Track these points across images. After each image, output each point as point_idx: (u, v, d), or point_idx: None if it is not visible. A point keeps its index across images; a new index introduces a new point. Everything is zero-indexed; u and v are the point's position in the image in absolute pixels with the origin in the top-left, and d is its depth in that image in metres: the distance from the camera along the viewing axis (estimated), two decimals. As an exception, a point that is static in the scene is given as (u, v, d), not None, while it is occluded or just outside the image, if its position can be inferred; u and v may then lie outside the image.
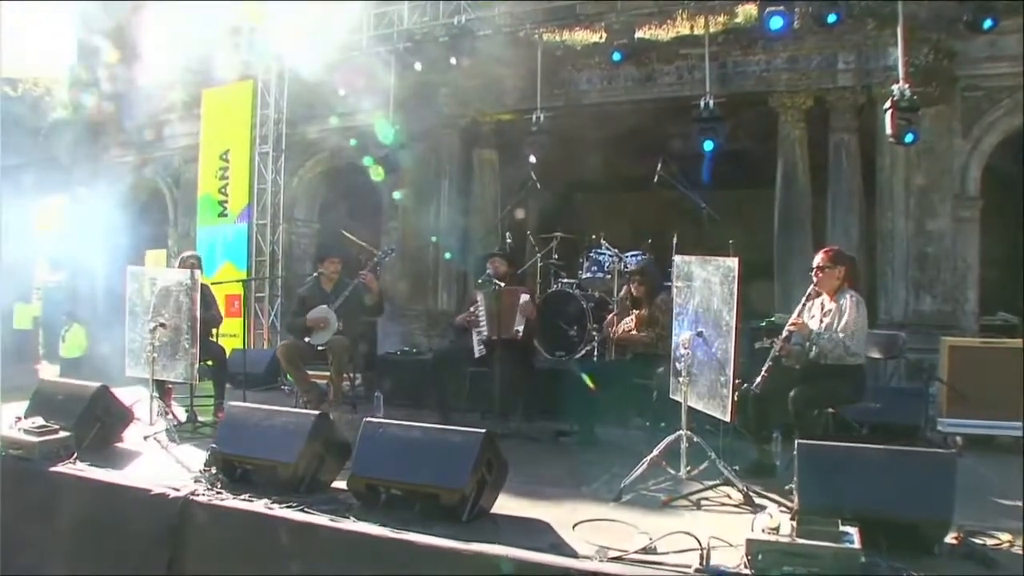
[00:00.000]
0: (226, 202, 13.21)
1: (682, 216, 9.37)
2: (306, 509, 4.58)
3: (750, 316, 8.20)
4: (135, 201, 17.23)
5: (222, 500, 4.87)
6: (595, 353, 8.24)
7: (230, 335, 12.49)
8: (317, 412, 5.25)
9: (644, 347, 6.78)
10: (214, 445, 5.39)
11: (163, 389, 7.53)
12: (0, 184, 18.62)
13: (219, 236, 13.24)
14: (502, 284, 7.13)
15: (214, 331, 8.52)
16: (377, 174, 12.26)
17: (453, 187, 12.75)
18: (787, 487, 4.67)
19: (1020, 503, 5.04)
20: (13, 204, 19.22)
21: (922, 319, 9.96)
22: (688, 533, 3.92)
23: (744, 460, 5.68)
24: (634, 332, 6.85)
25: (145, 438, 6.68)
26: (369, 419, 5.01)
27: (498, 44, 11.60)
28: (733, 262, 4.88)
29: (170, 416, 7.33)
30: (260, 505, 4.71)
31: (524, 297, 7.16)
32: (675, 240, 8.34)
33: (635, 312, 6.89)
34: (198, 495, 4.93)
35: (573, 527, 4.33)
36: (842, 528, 3.70)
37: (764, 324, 7.27)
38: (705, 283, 5.13)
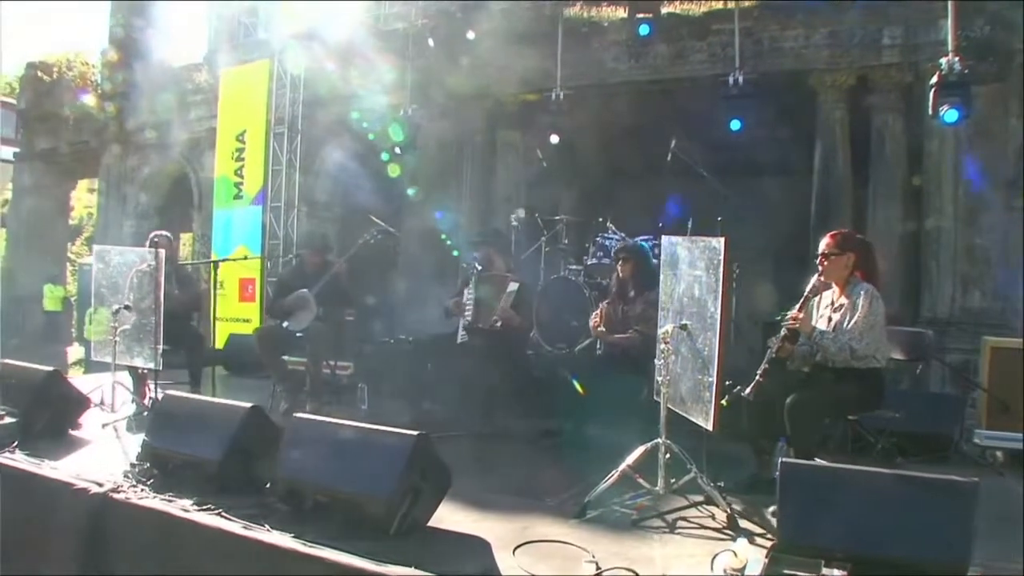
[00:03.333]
0: (242, 184, 12.80)
1: (701, 200, 8.63)
2: (223, 514, 4.05)
3: (773, 310, 7.50)
4: (164, 183, 17.08)
5: (140, 499, 4.39)
6: (597, 345, 7.55)
7: (243, 319, 12.17)
8: (249, 404, 4.68)
9: (623, 350, 6.12)
10: (145, 438, 4.92)
11: (137, 374, 7.10)
12: (33, 166, 18.72)
13: (234, 218, 12.85)
14: (479, 268, 6.54)
15: (196, 314, 8.08)
16: (393, 170, 11.79)
17: (475, 169, 12.21)
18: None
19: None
20: (46, 186, 19.30)
21: (969, 317, 9.18)
22: (630, 570, 3.26)
23: (741, 472, 4.99)
24: (601, 328, 6.21)
25: (103, 426, 6.29)
26: (298, 415, 4.46)
27: (519, 20, 11.03)
28: (719, 243, 4.17)
29: (140, 404, 6.92)
30: (177, 507, 4.23)
31: (512, 286, 6.52)
32: (690, 224, 7.62)
33: (604, 304, 6.21)
34: (119, 492, 4.47)
35: (514, 550, 3.70)
36: (825, 571, 3.01)
37: (778, 318, 6.50)
38: (690, 268, 4.44)
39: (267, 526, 3.87)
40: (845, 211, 10.01)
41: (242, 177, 12.81)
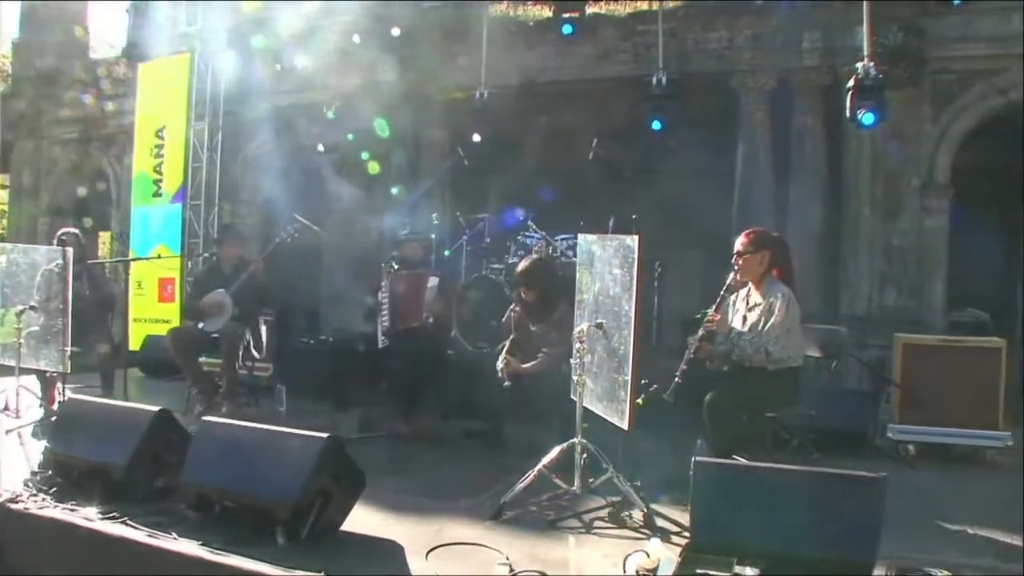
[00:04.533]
0: (161, 181, 12.43)
1: (623, 198, 8.68)
2: (128, 522, 3.93)
3: (696, 309, 7.55)
4: (81, 179, 16.53)
5: (41, 509, 4.22)
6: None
7: (163, 320, 11.84)
8: (157, 408, 4.53)
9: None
10: (48, 445, 4.73)
11: (46, 379, 6.84)
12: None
13: (153, 216, 12.49)
14: (399, 267, 6.45)
15: (110, 315, 7.84)
16: (373, 168, 11.74)
17: (401, 167, 12.06)
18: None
19: (968, 529, 4.39)
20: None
21: (886, 314, 9.40)
22: (543, 573, 3.23)
23: (661, 471, 4.98)
24: (511, 370, 5.78)
25: (7, 432, 6.06)
26: (207, 418, 4.34)
27: (445, 18, 10.98)
28: (633, 241, 4.17)
29: (48, 409, 6.68)
30: (80, 516, 4.08)
31: (432, 280, 6.43)
32: (611, 223, 7.64)
33: (511, 338, 5.96)
34: (17, 502, 4.31)
35: (427, 553, 3.64)
36: (737, 570, 3.01)
37: (698, 316, 6.54)
38: (606, 266, 4.43)
39: (174, 534, 3.77)
40: (766, 210, 10.09)
41: (161, 174, 12.45)
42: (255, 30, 11.71)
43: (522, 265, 6.28)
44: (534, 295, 5.95)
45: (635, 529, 4.14)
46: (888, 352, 7.17)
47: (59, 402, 6.63)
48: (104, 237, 16.86)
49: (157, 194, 12.46)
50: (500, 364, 5.83)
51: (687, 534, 3.85)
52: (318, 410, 6.91)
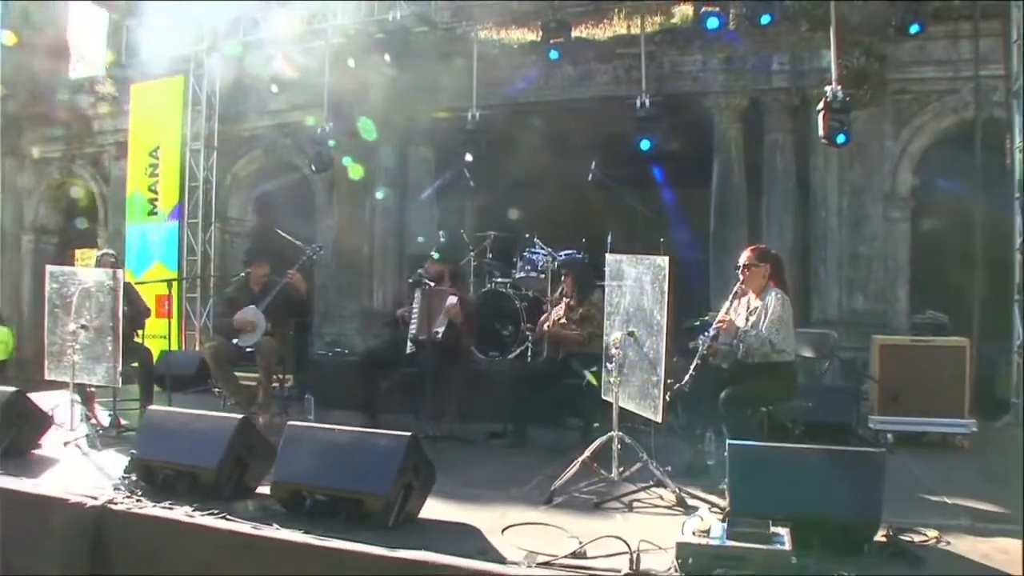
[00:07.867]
0: (156, 200, 12.88)
1: (618, 215, 9.34)
2: (228, 516, 4.42)
3: (686, 315, 8.20)
4: (63, 197, 16.74)
5: (141, 508, 4.67)
6: (529, 353, 8.16)
7: (159, 336, 12.21)
8: (240, 415, 5.08)
9: (577, 346, 6.77)
10: (134, 451, 5.21)
11: (85, 393, 7.27)
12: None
13: (149, 235, 12.90)
14: (432, 284, 7.01)
15: (140, 331, 8.29)
16: (356, 172, 12.24)
17: (389, 185, 12.58)
18: (720, 487, 4.66)
19: (946, 499, 5.13)
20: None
21: (855, 318, 10.16)
22: (618, 537, 3.85)
23: (678, 460, 5.65)
24: (563, 321, 6.94)
25: (65, 444, 6.44)
26: (293, 422, 4.88)
27: (434, 42, 11.54)
28: (664, 261, 4.83)
29: (93, 421, 7.10)
30: (180, 513, 4.56)
31: (451, 300, 7.03)
32: (609, 238, 8.28)
33: (565, 300, 6.99)
34: (116, 503, 4.73)
35: (502, 531, 4.24)
36: (773, 530, 3.65)
37: (698, 323, 7.26)
38: (636, 282, 5.09)
39: (275, 525, 4.28)
40: (741, 220, 10.85)
41: (156, 193, 12.88)
42: (248, 53, 12.14)
43: (561, 259, 8.06)
44: (572, 283, 7.05)
45: (669, 507, 4.80)
46: (860, 352, 7.94)
47: (110, 414, 7.12)
48: (90, 255, 17.08)
49: (153, 212, 12.89)
50: (543, 323, 7.29)
51: (714, 510, 4.53)
52: (345, 418, 7.34)
